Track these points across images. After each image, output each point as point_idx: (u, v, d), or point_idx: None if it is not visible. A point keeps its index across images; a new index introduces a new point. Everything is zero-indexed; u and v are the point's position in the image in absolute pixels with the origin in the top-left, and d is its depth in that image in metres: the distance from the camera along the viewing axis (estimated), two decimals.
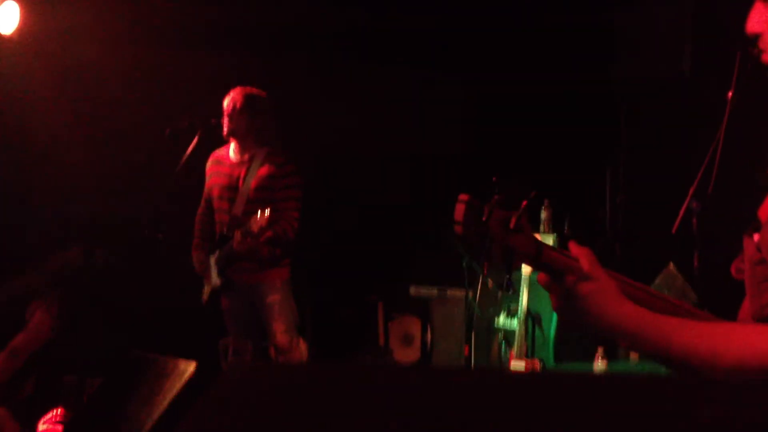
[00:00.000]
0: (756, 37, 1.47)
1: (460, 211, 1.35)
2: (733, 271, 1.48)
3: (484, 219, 1.34)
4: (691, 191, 3.82)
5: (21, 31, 4.76)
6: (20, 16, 4.68)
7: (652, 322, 1.33)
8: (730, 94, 3.88)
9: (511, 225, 1.34)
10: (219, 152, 4.44)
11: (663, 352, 1.32)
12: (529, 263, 1.37)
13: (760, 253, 1.37)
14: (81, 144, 5.36)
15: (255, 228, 3.92)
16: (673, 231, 3.97)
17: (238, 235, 4.02)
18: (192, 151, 4.41)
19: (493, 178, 1.39)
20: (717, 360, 1.27)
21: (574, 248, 1.38)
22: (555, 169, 5.84)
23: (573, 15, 5.79)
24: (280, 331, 4.29)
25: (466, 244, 1.38)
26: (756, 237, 1.41)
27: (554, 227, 5.22)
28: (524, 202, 1.36)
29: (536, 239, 1.37)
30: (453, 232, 1.36)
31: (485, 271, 1.35)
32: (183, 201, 4.55)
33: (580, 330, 1.41)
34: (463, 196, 1.36)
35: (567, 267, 1.36)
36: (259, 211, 3.92)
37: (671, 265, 4.23)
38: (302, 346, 4.42)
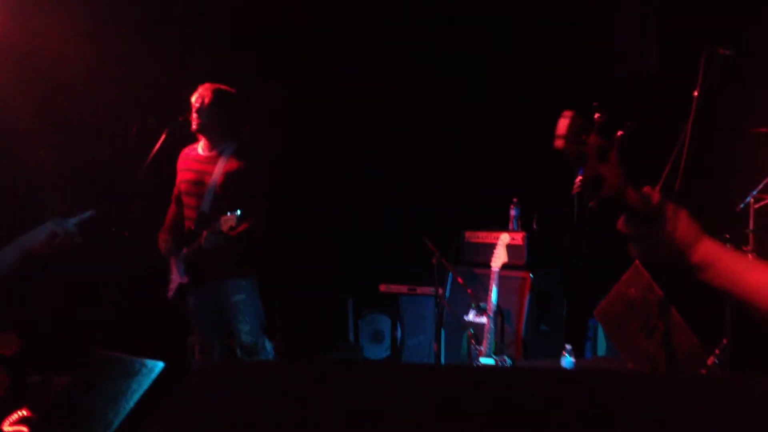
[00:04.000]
0: None
1: (563, 125, 1.34)
2: None
3: (584, 138, 1.34)
4: (657, 188, 3.86)
5: None
6: None
7: (728, 258, 1.44)
8: (696, 92, 3.94)
9: (608, 155, 1.35)
10: (189, 149, 4.41)
11: (733, 288, 1.43)
12: (612, 196, 1.38)
13: None
14: (46, 141, 5.29)
15: (225, 228, 3.89)
16: None
17: (206, 233, 4.00)
18: (159, 149, 4.37)
19: (594, 103, 1.38)
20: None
21: (655, 195, 1.45)
22: (523, 168, 5.88)
23: (541, 15, 5.83)
24: (245, 331, 4.24)
25: (565, 159, 1.34)
26: None
27: (523, 224, 5.26)
28: (619, 133, 1.37)
29: (624, 174, 1.39)
30: (553, 146, 1.35)
31: (575, 189, 1.31)
32: (150, 199, 4.51)
33: (659, 262, 1.49)
34: (568, 112, 1.35)
35: (648, 207, 1.42)
36: (228, 212, 3.89)
37: (638, 262, 4.27)
38: (268, 347, 4.37)
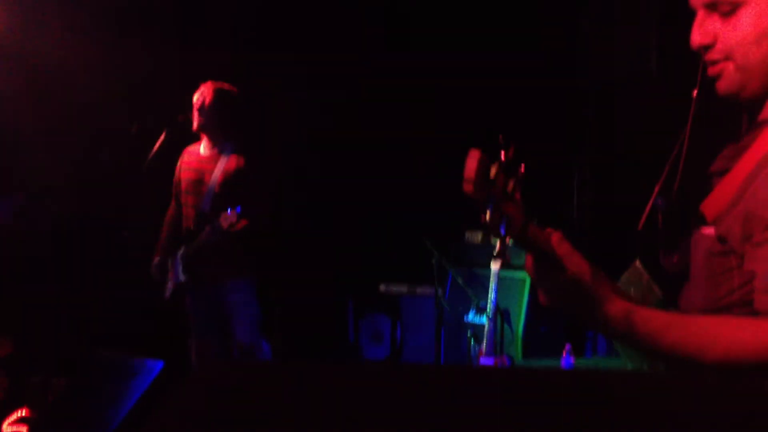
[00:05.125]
0: (706, 49, 1.45)
1: (471, 168, 1.24)
2: (666, 264, 1.48)
3: (492, 179, 1.25)
4: (656, 189, 3.86)
5: None
6: None
7: (643, 318, 1.35)
8: (695, 92, 3.93)
9: (512, 192, 1.27)
10: (191, 148, 4.41)
11: (654, 348, 1.35)
12: (515, 235, 1.29)
13: (722, 245, 1.40)
14: (47, 142, 5.29)
15: (225, 225, 3.90)
16: (639, 228, 4.01)
17: (208, 229, 4.00)
18: (159, 149, 4.37)
19: (500, 136, 1.29)
20: (705, 355, 1.32)
21: (559, 245, 1.34)
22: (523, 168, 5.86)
23: (540, 15, 5.84)
24: (242, 331, 4.24)
25: (474, 203, 1.26)
26: (710, 230, 1.44)
27: None
28: (522, 168, 1.29)
29: (526, 210, 1.30)
30: (462, 189, 1.25)
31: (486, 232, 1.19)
32: (149, 199, 4.51)
33: (571, 318, 1.40)
34: (474, 152, 1.25)
35: (552, 256, 1.32)
36: (229, 209, 3.90)
37: (637, 262, 4.27)
38: (265, 347, 4.38)
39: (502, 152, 1.28)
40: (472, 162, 1.24)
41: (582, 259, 1.35)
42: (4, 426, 3.31)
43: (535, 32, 5.82)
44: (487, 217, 1.26)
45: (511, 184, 1.28)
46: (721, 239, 1.40)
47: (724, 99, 1.48)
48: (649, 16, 5.44)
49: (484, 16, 5.91)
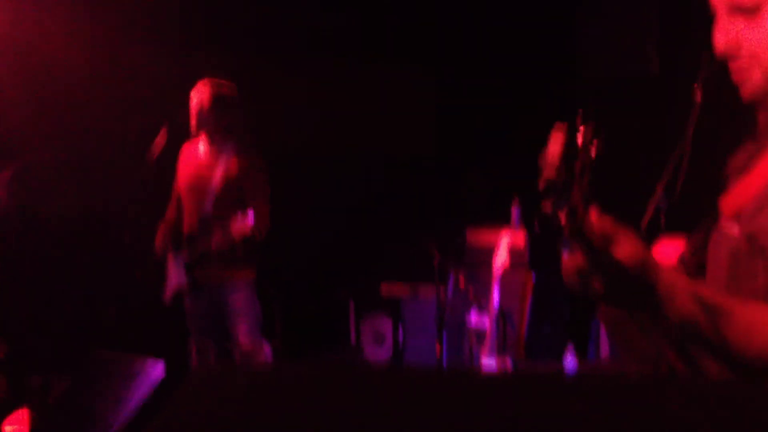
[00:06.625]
0: (731, 56, 1.40)
1: (555, 153, 1.10)
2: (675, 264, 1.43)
3: (572, 164, 1.12)
4: (659, 189, 3.85)
5: None
6: None
7: (697, 293, 1.26)
8: (698, 93, 3.92)
9: (583, 176, 1.15)
10: (189, 146, 4.39)
11: (700, 326, 1.25)
12: (577, 226, 1.16)
13: (749, 245, 1.35)
14: (47, 142, 5.29)
15: (236, 233, 3.90)
16: (642, 228, 4.00)
17: (218, 236, 4.00)
18: (159, 147, 4.36)
19: (580, 111, 1.15)
20: (750, 345, 1.24)
21: (602, 222, 1.23)
22: (524, 168, 5.87)
23: (540, 15, 5.83)
24: (243, 332, 4.24)
25: (551, 191, 1.10)
26: (734, 230, 1.40)
27: (525, 224, 5.25)
28: (594, 150, 1.15)
29: (587, 198, 1.16)
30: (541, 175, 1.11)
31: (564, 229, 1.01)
32: (150, 198, 4.50)
33: (620, 306, 1.30)
34: (558, 135, 1.11)
35: (597, 237, 1.19)
36: (239, 214, 3.89)
37: None
38: (266, 349, 4.37)
39: (580, 133, 1.15)
40: (555, 146, 1.12)
41: (628, 230, 1.24)
42: (5, 426, 3.31)
43: (534, 32, 5.81)
44: (559, 206, 1.12)
45: (585, 170, 1.14)
46: (750, 238, 1.34)
47: (748, 103, 1.44)
48: (649, 17, 5.43)
49: (480, 15, 5.91)
